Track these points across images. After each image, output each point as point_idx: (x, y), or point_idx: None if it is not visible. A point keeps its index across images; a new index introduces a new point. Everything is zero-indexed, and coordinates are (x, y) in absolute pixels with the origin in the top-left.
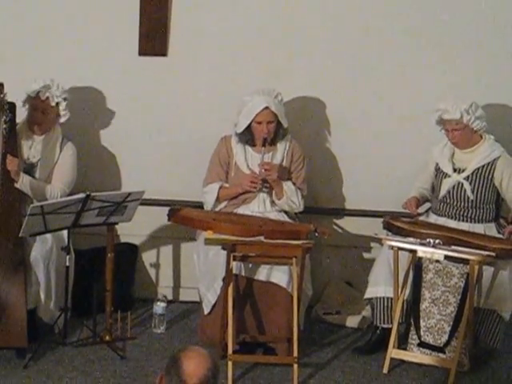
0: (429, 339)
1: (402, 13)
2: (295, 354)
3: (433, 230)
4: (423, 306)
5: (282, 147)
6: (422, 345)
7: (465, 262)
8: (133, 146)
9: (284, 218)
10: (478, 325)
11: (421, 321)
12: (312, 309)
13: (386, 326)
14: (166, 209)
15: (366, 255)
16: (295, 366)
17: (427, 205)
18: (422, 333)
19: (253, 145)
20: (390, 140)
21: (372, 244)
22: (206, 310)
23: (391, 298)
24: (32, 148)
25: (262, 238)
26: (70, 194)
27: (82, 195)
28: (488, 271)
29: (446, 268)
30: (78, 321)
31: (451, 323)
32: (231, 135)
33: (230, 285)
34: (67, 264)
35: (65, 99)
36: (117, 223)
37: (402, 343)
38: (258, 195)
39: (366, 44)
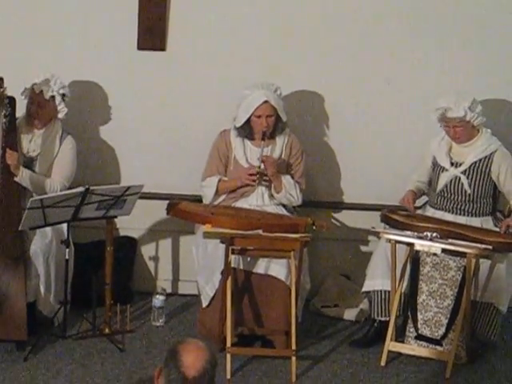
0: (426, 332)
1: (401, 6)
2: (293, 346)
3: (430, 223)
4: (420, 298)
5: (280, 141)
6: (420, 337)
7: (462, 255)
8: (132, 139)
9: (282, 211)
10: (475, 317)
11: (418, 314)
12: (310, 302)
13: (383, 318)
14: (165, 202)
15: (363, 248)
16: (293, 358)
17: (424, 198)
18: (419, 325)
19: (252, 138)
20: (388, 134)
21: (370, 237)
22: (205, 303)
23: (389, 291)
24: (32, 142)
25: (260, 232)
26: (70, 188)
27: (81, 189)
28: (485, 264)
29: (443, 261)
30: (78, 314)
31: (448, 316)
32: (230, 129)
33: (229, 278)
34: (67, 257)
35: (63, 94)
36: (116, 217)
37: (400, 336)
38: (256, 189)
39: (365, 38)
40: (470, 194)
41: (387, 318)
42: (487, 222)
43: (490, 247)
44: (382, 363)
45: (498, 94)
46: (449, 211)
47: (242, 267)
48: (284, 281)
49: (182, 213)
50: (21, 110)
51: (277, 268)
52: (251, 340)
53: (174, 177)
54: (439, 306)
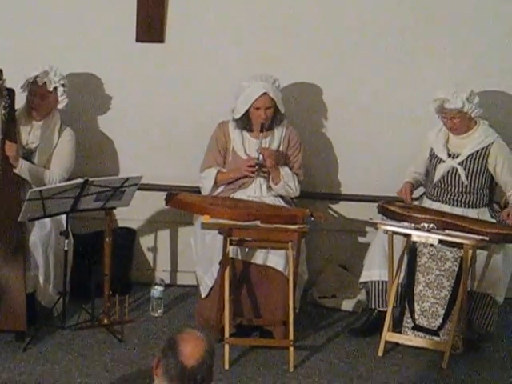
0: (423, 322)
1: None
2: (291, 337)
3: (427, 214)
4: (417, 289)
5: (279, 133)
6: (417, 328)
7: (459, 246)
8: (130, 131)
9: (280, 202)
10: (472, 308)
11: (415, 304)
12: (307, 292)
13: (380, 309)
14: (164, 194)
15: (361, 239)
16: (291, 348)
17: (421, 189)
18: (416, 316)
19: (250, 130)
20: (386, 125)
21: (367, 228)
22: (204, 294)
23: (386, 282)
24: (31, 134)
25: (258, 223)
26: (69, 180)
27: (80, 180)
28: (481, 255)
29: (440, 252)
30: (77, 304)
31: (445, 307)
32: (229, 121)
33: (227, 269)
34: (66, 248)
35: (63, 85)
36: (115, 208)
37: (397, 326)
38: (254, 180)
39: (363, 29)
40: (466, 186)
41: (384, 309)
42: (484, 214)
43: (487, 238)
44: (380, 353)
45: (496, 86)
46: (446, 202)
47: (240, 258)
48: (282, 271)
49: (181, 204)
50: (19, 102)
51: (275, 259)
52: (249, 330)
53: (172, 168)
54: (436, 296)
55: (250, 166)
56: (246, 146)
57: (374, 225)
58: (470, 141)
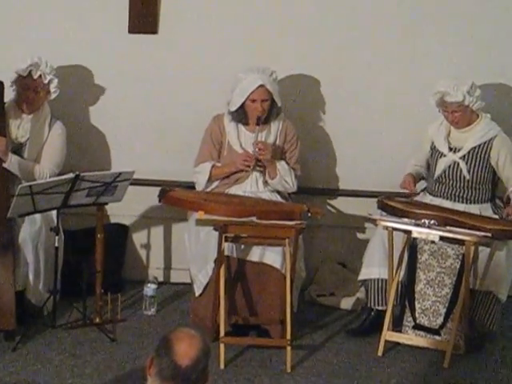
0: (424, 321)
1: None
2: (288, 336)
3: (428, 210)
4: (418, 287)
5: (275, 126)
6: (417, 327)
7: (460, 242)
8: (123, 125)
9: (277, 198)
10: (474, 306)
11: (416, 303)
12: (305, 291)
13: (380, 307)
14: (157, 189)
15: (360, 236)
16: (288, 348)
17: (422, 184)
18: (417, 315)
19: (246, 124)
20: (386, 119)
21: (366, 225)
22: (198, 292)
23: (386, 280)
24: (20, 127)
25: (254, 219)
26: (59, 174)
27: (71, 175)
28: (484, 252)
29: (442, 249)
30: (68, 303)
31: (446, 305)
32: (224, 114)
33: (222, 266)
34: (56, 245)
35: (55, 76)
36: (107, 203)
37: (397, 325)
38: (250, 175)
39: (359, 19)
40: (468, 180)
41: (384, 307)
42: (486, 209)
43: (489, 234)
44: (379, 353)
45: (498, 79)
46: (447, 198)
47: (235, 255)
48: (279, 269)
49: (175, 200)
50: (8, 95)
51: (271, 256)
52: (245, 329)
53: (166, 163)
54: (437, 294)
55: (245, 160)
56: (241, 139)
57: (374, 221)
58: (471, 134)
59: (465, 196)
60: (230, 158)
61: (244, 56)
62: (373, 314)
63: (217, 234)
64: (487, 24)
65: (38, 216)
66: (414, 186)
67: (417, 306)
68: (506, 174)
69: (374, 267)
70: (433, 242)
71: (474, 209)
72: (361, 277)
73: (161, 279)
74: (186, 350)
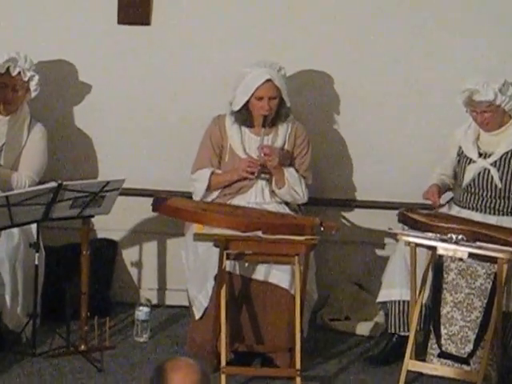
0: (451, 349)
1: None
2: (298, 365)
3: (455, 223)
4: (444, 310)
5: (283, 129)
6: (443, 355)
7: (492, 260)
8: (111, 127)
9: (285, 210)
10: (507, 332)
11: (442, 328)
12: (317, 314)
13: (401, 333)
14: (150, 200)
15: (378, 252)
16: (298, 379)
17: (449, 195)
18: (443, 341)
19: (250, 126)
20: (408, 121)
21: (386, 240)
22: (198, 315)
23: (408, 302)
24: None
25: (259, 233)
26: (40, 183)
27: (53, 184)
28: None
29: (471, 267)
30: (49, 328)
31: (476, 330)
32: (225, 114)
33: (223, 286)
34: (36, 263)
35: (36, 73)
36: (93, 216)
37: (420, 354)
38: (255, 184)
39: (381, 10)
40: (500, 189)
41: (406, 333)
42: None
43: None
44: None
45: None
46: (477, 209)
47: (238, 273)
48: (287, 289)
49: (170, 210)
50: None
51: (279, 275)
52: (249, 358)
53: (160, 170)
54: (466, 318)
55: (249, 167)
56: (245, 143)
57: (394, 235)
58: (503, 138)
59: (497, 207)
60: (232, 164)
61: (248, 50)
62: (393, 340)
63: (217, 250)
64: None
65: (15, 230)
66: (438, 197)
67: (443, 331)
68: None
69: (394, 288)
70: (461, 259)
71: (507, 221)
72: (380, 299)
73: (154, 301)
74: (182, 381)
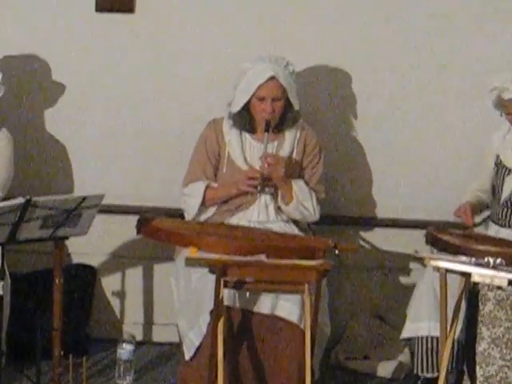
0: None
1: None
2: None
3: (493, 245)
4: (480, 347)
5: (291, 135)
6: None
7: None
8: (89, 133)
9: (293, 230)
10: None
11: (477, 368)
12: (331, 352)
13: (429, 375)
14: (135, 218)
15: (403, 280)
16: None
17: (486, 213)
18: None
19: (252, 131)
20: (435, 126)
21: (411, 265)
22: (189, 354)
23: (437, 338)
24: None
25: (263, 258)
26: (5, 199)
27: (20, 200)
28: None
29: (511, 297)
30: (16, 369)
31: None
32: (223, 118)
33: (220, 320)
34: (1, 293)
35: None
36: (67, 238)
37: None
38: (258, 199)
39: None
40: None
41: (435, 374)
42: None
43: None
44: None
45: None
46: None
47: (238, 305)
48: (296, 323)
49: (158, 231)
50: None
51: (286, 306)
52: None
53: (145, 183)
54: (505, 357)
55: (251, 180)
56: (246, 151)
57: (421, 260)
58: None
59: None
60: (231, 176)
61: (248, 43)
62: (420, 382)
63: (213, 277)
64: None
65: None
66: (471, 216)
67: (478, 372)
68: None
69: (421, 321)
70: (499, 287)
71: None
72: (405, 334)
73: (139, 338)
74: None
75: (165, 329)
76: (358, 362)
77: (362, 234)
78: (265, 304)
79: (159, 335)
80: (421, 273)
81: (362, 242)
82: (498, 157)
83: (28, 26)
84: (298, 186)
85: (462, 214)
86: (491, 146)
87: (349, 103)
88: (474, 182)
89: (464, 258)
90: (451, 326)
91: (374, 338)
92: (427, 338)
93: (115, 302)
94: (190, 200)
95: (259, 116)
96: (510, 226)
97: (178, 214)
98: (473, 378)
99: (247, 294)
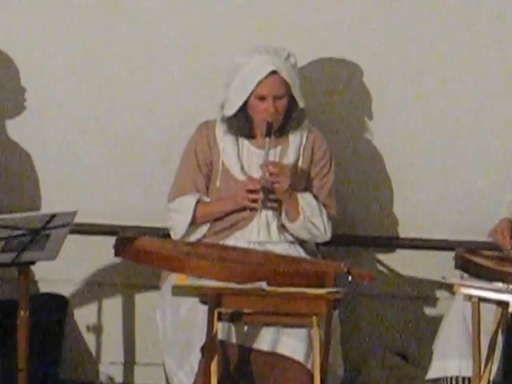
0: None
1: None
2: None
3: None
4: None
5: (296, 139)
6: None
7: None
8: (58, 140)
9: (299, 252)
10: None
11: None
12: None
13: None
14: (112, 238)
15: (428, 310)
16: None
17: None
18: None
19: (250, 136)
20: (465, 127)
21: (438, 293)
22: None
23: (469, 379)
24: None
25: (263, 285)
26: None
27: None
28: None
29: None
30: None
31: None
32: (215, 120)
33: (214, 358)
34: None
35: None
36: (34, 263)
37: None
38: (258, 216)
39: None
40: None
41: None
42: None
43: None
44: None
45: None
46: None
47: (234, 341)
48: (302, 363)
49: (139, 254)
50: None
51: (290, 343)
52: None
53: (124, 198)
54: None
55: (250, 193)
56: (243, 159)
57: (449, 287)
58: None
59: None
60: (226, 188)
61: (246, 35)
62: None
63: (205, 308)
64: None
65: None
66: (509, 238)
67: None
68: None
69: (450, 359)
70: None
71: None
72: (431, 374)
73: (119, 380)
74: None
75: (148, 369)
76: None
77: (380, 256)
78: (265, 339)
79: (142, 377)
80: (449, 302)
81: (379, 267)
82: None
83: None
84: (305, 199)
85: (497, 237)
86: None
87: (361, 101)
88: (509, 193)
89: (500, 285)
90: (485, 364)
91: (396, 379)
92: (457, 378)
93: (90, 338)
94: (177, 217)
95: (259, 118)
96: None
97: (164, 233)
98: None
99: (245, 327)
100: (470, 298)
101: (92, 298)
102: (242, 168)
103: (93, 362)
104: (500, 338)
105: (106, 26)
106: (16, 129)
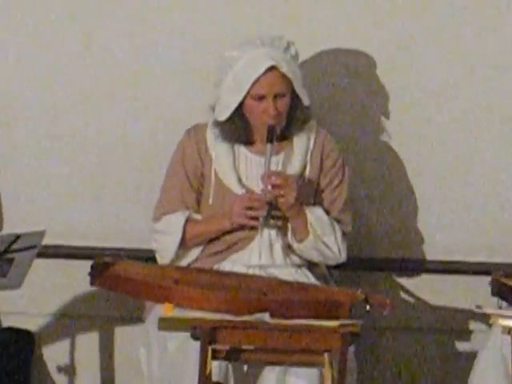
0: None
1: None
2: None
3: None
4: None
5: (301, 143)
6: None
7: None
8: (24, 148)
9: (308, 277)
10: None
11: None
12: None
13: None
14: (88, 263)
15: (460, 346)
16: None
17: None
18: None
19: (248, 141)
20: (501, 132)
21: (471, 325)
22: None
23: None
24: None
25: (266, 317)
26: None
27: None
28: None
29: None
30: None
31: None
32: (206, 124)
33: None
34: None
35: None
36: None
37: None
38: (259, 236)
39: None
40: None
41: None
42: None
43: None
44: None
45: None
46: None
47: (232, 383)
48: None
49: (119, 281)
50: None
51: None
52: None
53: (102, 216)
54: None
55: (250, 209)
56: (240, 168)
57: (486, 318)
58: None
59: None
60: (221, 203)
61: (241, 25)
62: None
63: (198, 344)
64: None
65: None
66: None
67: None
68: None
69: None
70: None
71: None
72: None
73: None
74: None
75: None
76: None
77: (404, 282)
78: (269, 381)
79: None
80: (485, 336)
81: (403, 294)
82: None
83: None
84: (314, 215)
85: None
86: None
87: (376, 97)
88: None
89: None
90: None
91: None
92: None
93: (61, 381)
94: (164, 238)
95: (259, 121)
96: None
97: (148, 256)
98: None
99: (245, 367)
100: (509, 330)
101: (64, 334)
102: (239, 179)
103: None
104: None
105: (85, 25)
106: None
